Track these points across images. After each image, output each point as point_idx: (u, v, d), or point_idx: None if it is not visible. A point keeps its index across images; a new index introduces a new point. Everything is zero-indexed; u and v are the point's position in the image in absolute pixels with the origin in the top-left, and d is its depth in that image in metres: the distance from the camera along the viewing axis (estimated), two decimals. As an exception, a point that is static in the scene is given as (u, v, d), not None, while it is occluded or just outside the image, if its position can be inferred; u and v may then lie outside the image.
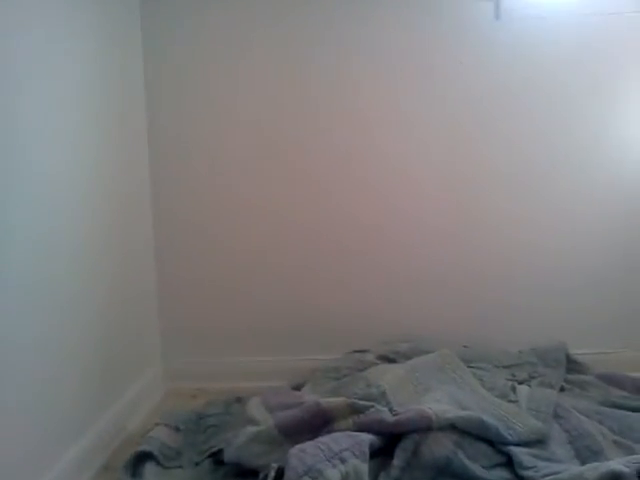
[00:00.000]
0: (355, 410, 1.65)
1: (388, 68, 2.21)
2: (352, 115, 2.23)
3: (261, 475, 1.50)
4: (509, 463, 1.53)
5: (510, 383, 1.90)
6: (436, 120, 2.22)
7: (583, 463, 1.48)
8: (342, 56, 2.21)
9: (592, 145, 2.21)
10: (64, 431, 1.63)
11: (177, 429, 1.82)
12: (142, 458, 1.67)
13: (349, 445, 1.51)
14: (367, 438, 1.55)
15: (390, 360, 2.11)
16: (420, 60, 2.20)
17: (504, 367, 2.03)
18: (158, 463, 1.65)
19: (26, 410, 1.45)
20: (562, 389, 1.91)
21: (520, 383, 1.91)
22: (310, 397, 1.81)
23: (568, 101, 2.19)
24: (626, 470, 1.33)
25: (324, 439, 1.55)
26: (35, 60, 1.52)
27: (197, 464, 1.69)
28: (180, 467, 1.68)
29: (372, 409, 1.65)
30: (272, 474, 1.45)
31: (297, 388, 2.04)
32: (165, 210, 2.30)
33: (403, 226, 2.27)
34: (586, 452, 1.52)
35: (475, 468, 1.48)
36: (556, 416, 1.67)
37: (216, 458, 1.68)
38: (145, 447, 1.68)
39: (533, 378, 1.94)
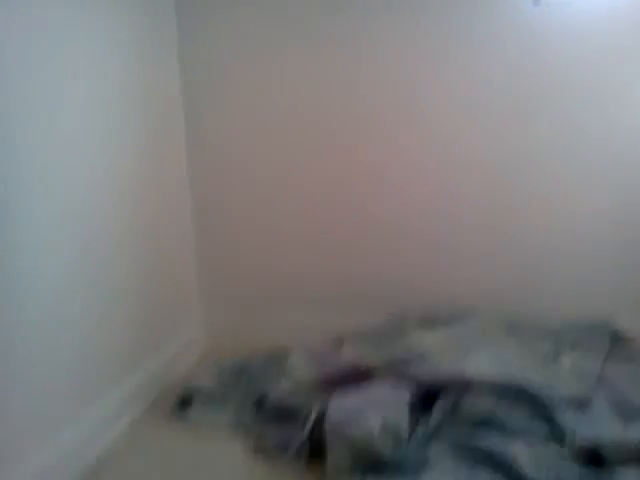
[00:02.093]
0: (395, 367, 1.67)
1: (425, 55, 2.18)
2: (391, 99, 2.22)
3: (301, 419, 1.54)
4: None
5: (552, 351, 1.88)
6: (475, 105, 2.17)
7: (626, 426, 1.47)
8: (376, 42, 2.18)
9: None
10: (110, 372, 1.73)
11: (221, 376, 1.88)
12: (188, 400, 1.74)
13: (389, 397, 1.54)
14: (407, 392, 1.57)
15: (430, 326, 2.12)
16: (458, 49, 2.17)
17: (546, 336, 2.01)
18: (203, 404, 1.72)
19: (74, 349, 1.57)
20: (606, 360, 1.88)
21: (562, 352, 1.89)
22: (351, 352, 1.84)
23: (614, 88, 2.11)
24: (670, 431, 1.32)
25: (364, 391, 1.58)
26: (74, 63, 1.60)
27: (240, 409, 1.74)
28: (223, 411, 1.74)
29: (412, 367, 1.67)
30: (312, 417, 1.49)
31: (337, 347, 2.07)
32: (203, 183, 2.36)
33: (445, 196, 2.26)
34: (629, 415, 1.50)
35: (515, 423, 1.48)
36: (599, 380, 1.65)
37: (258, 404, 1.73)
38: (191, 388, 1.75)
39: (576, 347, 1.92)
